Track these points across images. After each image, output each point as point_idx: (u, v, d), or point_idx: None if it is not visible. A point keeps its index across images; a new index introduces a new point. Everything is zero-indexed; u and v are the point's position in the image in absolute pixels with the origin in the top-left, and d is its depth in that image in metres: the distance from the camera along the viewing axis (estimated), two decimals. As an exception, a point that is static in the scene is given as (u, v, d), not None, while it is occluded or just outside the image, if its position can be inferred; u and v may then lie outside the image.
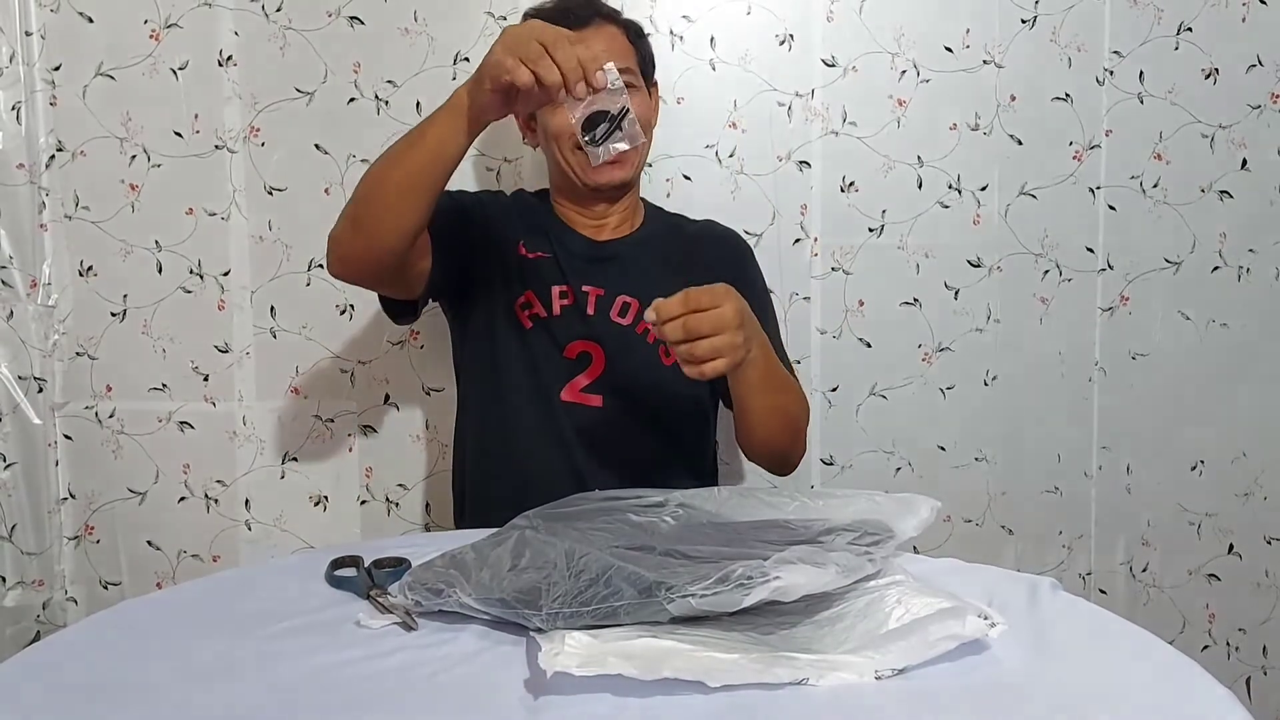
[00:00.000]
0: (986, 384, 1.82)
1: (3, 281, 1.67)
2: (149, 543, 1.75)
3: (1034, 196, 1.79)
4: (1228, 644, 1.89)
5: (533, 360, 1.42)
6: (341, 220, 1.26)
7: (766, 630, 0.86)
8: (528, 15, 1.40)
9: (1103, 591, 1.86)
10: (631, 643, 0.81)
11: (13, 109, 1.65)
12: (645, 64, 1.47)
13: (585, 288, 1.43)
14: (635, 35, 1.47)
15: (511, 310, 1.42)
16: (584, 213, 1.49)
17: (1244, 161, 1.81)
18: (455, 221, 1.37)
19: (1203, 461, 1.86)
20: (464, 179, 1.71)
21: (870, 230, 1.78)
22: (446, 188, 1.24)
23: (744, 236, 1.61)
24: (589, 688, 0.76)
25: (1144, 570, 1.87)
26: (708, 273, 1.45)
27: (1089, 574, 1.86)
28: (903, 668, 0.80)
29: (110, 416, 1.72)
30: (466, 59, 1.69)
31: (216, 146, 1.69)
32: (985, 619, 0.84)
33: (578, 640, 0.80)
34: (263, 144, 1.70)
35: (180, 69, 1.68)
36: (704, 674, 0.76)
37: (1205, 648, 1.88)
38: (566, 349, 1.42)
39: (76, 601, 1.76)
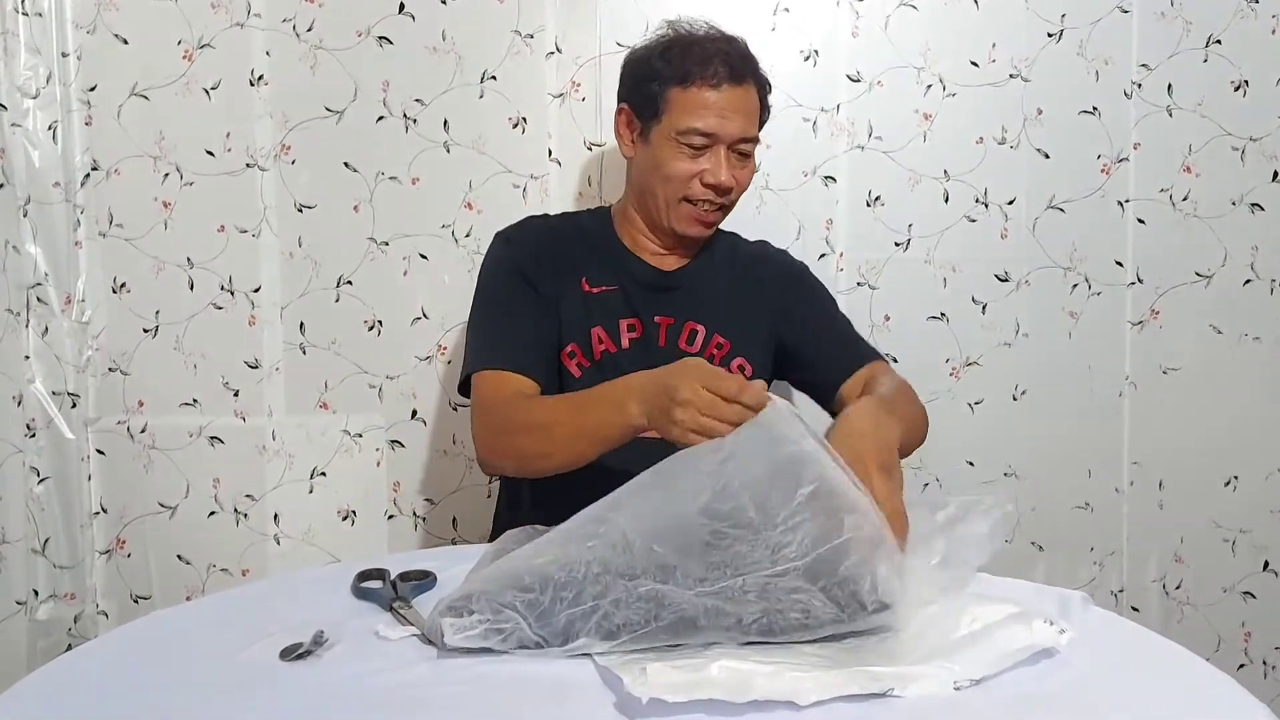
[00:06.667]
0: (1015, 398, 1.80)
1: (38, 298, 1.70)
2: (179, 557, 1.76)
3: (1062, 210, 1.78)
4: (1264, 663, 1.86)
5: None
6: (495, 441, 1.28)
7: (836, 646, 0.86)
8: (671, 48, 1.37)
9: (1135, 609, 1.84)
10: (709, 668, 0.79)
11: (49, 128, 1.68)
12: (763, 124, 1.43)
13: (656, 319, 1.42)
14: (764, 95, 1.41)
15: (557, 361, 1.39)
16: (654, 241, 1.46)
17: (1275, 174, 1.79)
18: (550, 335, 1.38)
19: (1236, 477, 1.83)
20: (490, 197, 1.72)
21: (896, 244, 1.77)
22: (517, 267, 1.34)
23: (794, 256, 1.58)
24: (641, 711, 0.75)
25: (1177, 587, 1.85)
26: (765, 293, 1.47)
27: (1121, 591, 1.84)
28: (980, 678, 0.80)
29: (142, 431, 1.74)
30: (494, 77, 1.70)
31: (248, 165, 1.71)
32: (1053, 625, 0.84)
33: (657, 670, 0.79)
34: (293, 162, 1.71)
35: (213, 88, 1.70)
36: (792, 693, 0.76)
37: (1241, 666, 1.85)
38: None
39: (108, 615, 1.77)
